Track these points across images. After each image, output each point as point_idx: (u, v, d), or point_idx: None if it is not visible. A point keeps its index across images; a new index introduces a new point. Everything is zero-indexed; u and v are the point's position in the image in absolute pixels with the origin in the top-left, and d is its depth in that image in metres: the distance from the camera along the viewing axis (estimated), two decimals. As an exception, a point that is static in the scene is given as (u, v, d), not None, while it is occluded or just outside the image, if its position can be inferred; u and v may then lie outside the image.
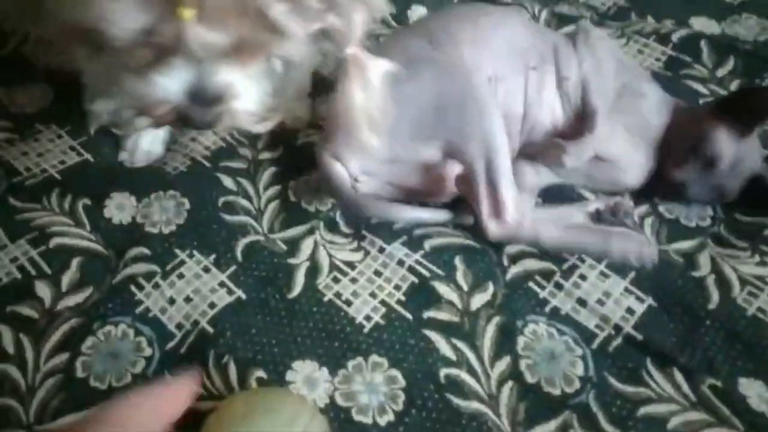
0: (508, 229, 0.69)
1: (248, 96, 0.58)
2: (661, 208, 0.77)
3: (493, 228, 0.69)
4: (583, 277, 0.70)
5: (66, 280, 0.70)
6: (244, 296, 0.69)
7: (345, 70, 0.58)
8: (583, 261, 0.71)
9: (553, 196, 0.77)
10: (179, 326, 0.66)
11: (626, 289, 0.69)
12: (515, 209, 0.68)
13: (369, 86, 0.58)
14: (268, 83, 0.62)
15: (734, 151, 0.72)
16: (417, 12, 1.05)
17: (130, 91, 0.56)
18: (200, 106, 0.55)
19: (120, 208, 0.78)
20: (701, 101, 0.89)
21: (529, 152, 0.76)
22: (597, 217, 0.74)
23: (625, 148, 0.74)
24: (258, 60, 0.57)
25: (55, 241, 0.74)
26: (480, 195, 0.68)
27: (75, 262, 0.72)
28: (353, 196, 0.72)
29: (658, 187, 0.76)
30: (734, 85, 0.91)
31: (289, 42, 0.53)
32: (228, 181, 0.81)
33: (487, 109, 0.69)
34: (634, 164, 0.75)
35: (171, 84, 0.54)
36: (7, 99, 0.91)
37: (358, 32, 0.56)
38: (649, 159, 0.76)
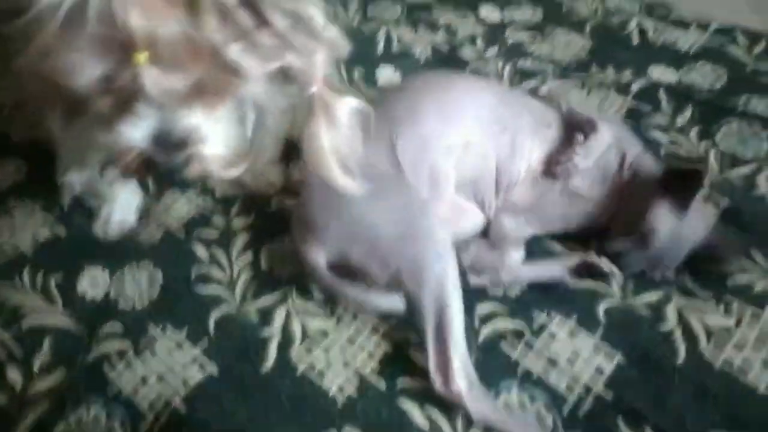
0: (450, 395, 0.64)
1: (215, 140, 0.58)
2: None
3: (438, 385, 0.65)
4: (552, 336, 0.71)
5: (38, 363, 0.70)
6: (216, 372, 0.69)
7: (311, 110, 0.58)
8: (552, 318, 0.73)
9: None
10: (151, 407, 0.66)
11: (596, 347, 0.70)
12: (462, 379, 0.64)
13: (337, 125, 0.58)
14: (239, 128, 0.63)
15: (672, 228, 0.73)
16: (385, 72, 1.08)
17: (98, 142, 0.57)
18: (166, 151, 0.56)
19: (93, 283, 0.79)
20: (663, 150, 0.91)
21: (517, 201, 0.79)
22: (576, 271, 0.75)
23: (591, 183, 0.78)
24: (223, 103, 0.58)
25: (27, 322, 0.74)
26: (428, 346, 0.66)
27: (47, 342, 0.72)
28: (328, 281, 0.72)
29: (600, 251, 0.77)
30: (693, 133, 0.94)
31: (249, 82, 0.54)
32: (201, 251, 0.81)
33: (446, 255, 0.68)
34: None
35: (135, 130, 0.54)
36: (-21, 175, 0.92)
37: (320, 71, 0.56)
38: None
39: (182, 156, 0.56)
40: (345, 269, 0.71)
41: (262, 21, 0.51)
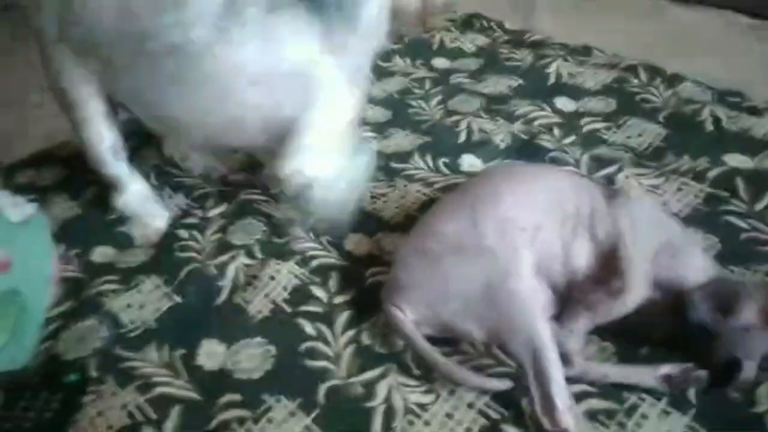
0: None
1: None
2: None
3: (546, 426, 0.71)
4: (644, 416, 0.74)
5: (169, 427, 0.78)
6: (328, 441, 0.75)
7: None
8: (643, 400, 0.76)
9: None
10: (273, 472, 0.72)
11: (688, 427, 0.72)
12: (568, 417, 0.70)
13: None
14: None
15: (753, 324, 0.74)
16: (468, 160, 1.16)
17: None
18: None
19: (210, 355, 0.87)
20: (742, 236, 0.94)
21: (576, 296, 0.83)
22: (668, 381, 0.75)
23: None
24: None
25: (157, 390, 0.83)
26: (531, 390, 0.72)
27: (175, 410, 0.80)
28: (417, 341, 0.79)
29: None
30: (774, 219, 0.97)
31: None
32: (308, 327, 0.89)
33: (531, 310, 0.76)
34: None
35: None
36: (116, 256, 1.05)
37: None
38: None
39: None
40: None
41: None
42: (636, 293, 0.78)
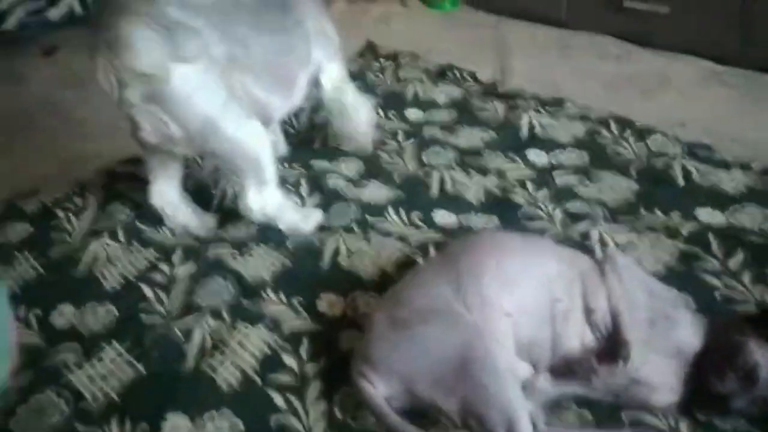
0: None
1: None
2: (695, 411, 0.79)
3: None
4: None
5: None
6: None
7: None
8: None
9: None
10: None
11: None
12: None
13: None
14: None
15: None
16: (440, 214, 1.15)
17: None
18: None
19: (175, 430, 0.83)
20: (716, 294, 0.94)
21: (561, 363, 0.81)
22: None
23: (657, 372, 0.78)
24: None
25: (117, 474, 0.78)
26: None
27: (137, 493, 0.76)
28: (387, 416, 0.76)
29: (700, 400, 0.78)
30: (747, 277, 0.96)
31: None
32: (278, 399, 0.86)
33: (506, 381, 0.73)
34: (665, 385, 0.79)
35: None
36: (76, 319, 1.01)
37: None
38: (682, 380, 0.79)
39: None
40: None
41: None
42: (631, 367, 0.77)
